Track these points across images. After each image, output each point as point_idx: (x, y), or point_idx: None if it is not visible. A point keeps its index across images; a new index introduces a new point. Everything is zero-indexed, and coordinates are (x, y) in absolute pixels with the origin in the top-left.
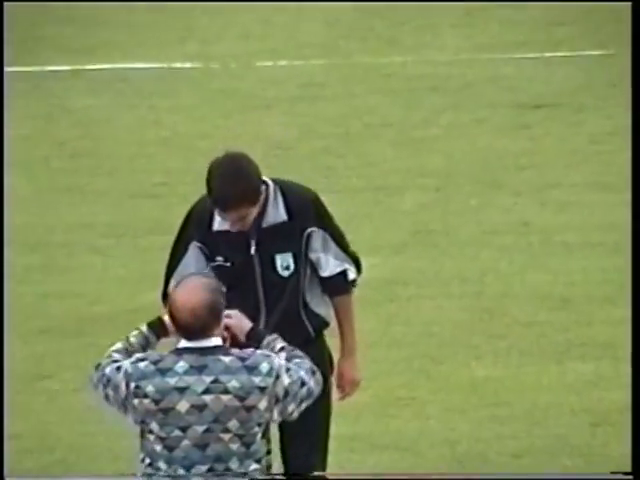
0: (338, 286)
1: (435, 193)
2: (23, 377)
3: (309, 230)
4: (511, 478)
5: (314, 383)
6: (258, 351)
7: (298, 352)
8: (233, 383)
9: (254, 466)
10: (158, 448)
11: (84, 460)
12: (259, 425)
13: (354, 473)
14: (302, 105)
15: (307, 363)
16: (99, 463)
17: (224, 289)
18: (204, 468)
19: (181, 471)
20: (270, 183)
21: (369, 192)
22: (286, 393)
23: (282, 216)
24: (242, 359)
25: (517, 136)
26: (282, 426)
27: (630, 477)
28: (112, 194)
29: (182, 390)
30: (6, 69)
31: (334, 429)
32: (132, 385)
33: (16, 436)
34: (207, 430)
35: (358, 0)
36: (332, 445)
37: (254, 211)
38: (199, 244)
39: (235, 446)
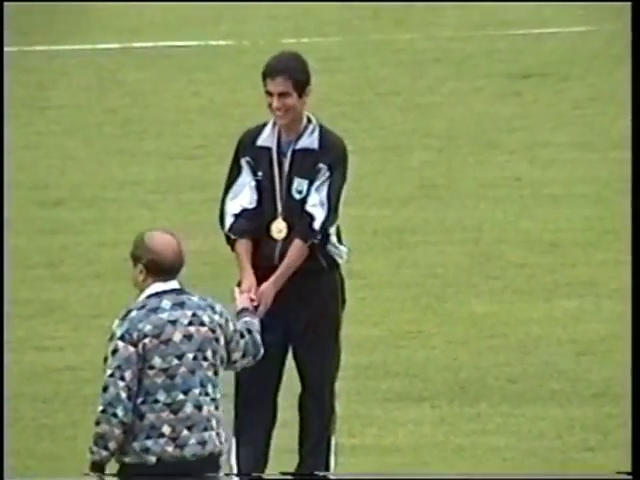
0: (300, 229)
1: (438, 152)
2: (80, 315)
3: (323, 164)
4: (510, 479)
5: (252, 341)
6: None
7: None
8: (205, 317)
9: (219, 395)
10: (159, 380)
11: None
12: (221, 359)
13: (355, 473)
14: (321, 76)
15: (256, 324)
16: None
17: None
18: (197, 391)
19: (181, 396)
20: (314, 119)
21: (380, 152)
22: (231, 339)
23: (314, 144)
24: (203, 299)
25: (509, 102)
26: (297, 355)
27: (630, 477)
28: (157, 155)
29: (174, 322)
30: (61, 47)
31: (352, 359)
32: (135, 335)
33: (74, 367)
34: (194, 358)
35: None
36: (350, 373)
37: (293, 98)
38: (248, 158)
39: (210, 373)
